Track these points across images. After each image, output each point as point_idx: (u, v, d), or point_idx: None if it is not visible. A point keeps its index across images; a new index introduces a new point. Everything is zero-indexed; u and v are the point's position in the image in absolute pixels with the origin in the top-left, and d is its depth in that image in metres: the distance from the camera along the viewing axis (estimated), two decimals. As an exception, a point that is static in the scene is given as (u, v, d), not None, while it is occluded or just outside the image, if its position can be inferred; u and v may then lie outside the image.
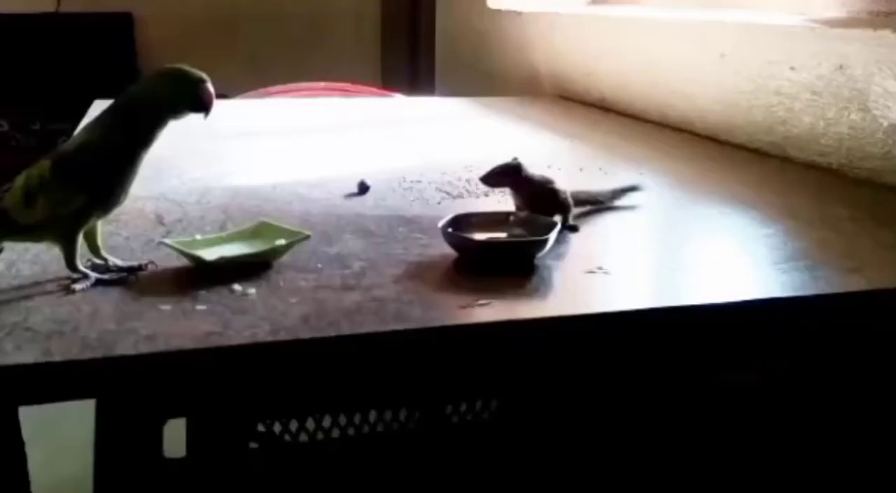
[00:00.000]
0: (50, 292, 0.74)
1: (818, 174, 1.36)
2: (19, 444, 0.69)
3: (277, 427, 1.55)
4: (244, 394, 0.73)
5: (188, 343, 0.65)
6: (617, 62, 2.01)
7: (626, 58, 1.98)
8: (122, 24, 3.53)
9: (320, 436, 1.56)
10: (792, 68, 1.44)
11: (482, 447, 1.42)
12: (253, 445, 1.48)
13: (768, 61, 1.50)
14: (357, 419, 1.61)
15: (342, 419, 1.59)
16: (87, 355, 0.62)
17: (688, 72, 1.74)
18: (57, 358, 0.62)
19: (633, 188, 1.12)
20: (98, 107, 1.75)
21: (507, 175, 0.95)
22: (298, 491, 1.43)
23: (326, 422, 1.56)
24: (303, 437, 1.55)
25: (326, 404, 1.22)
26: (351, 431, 1.59)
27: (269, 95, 2.13)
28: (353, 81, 2.30)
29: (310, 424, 1.56)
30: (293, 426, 1.56)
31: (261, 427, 1.50)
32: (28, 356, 0.61)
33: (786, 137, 1.46)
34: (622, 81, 1.99)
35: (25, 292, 0.74)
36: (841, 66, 1.34)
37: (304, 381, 0.74)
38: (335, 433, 1.56)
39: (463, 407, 1.61)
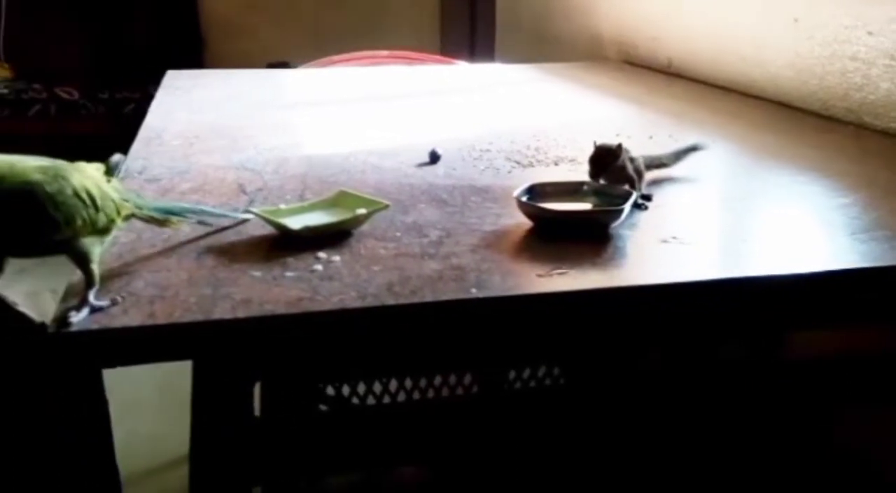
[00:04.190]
0: (147, 259, 0.78)
1: (893, 142, 1.33)
2: (104, 403, 0.73)
3: (346, 391, 1.60)
4: (319, 358, 0.77)
5: (281, 308, 0.68)
6: (684, 26, 1.98)
7: (694, 22, 1.94)
8: (186, -7, 3.59)
9: (387, 399, 1.61)
10: (869, 33, 1.40)
11: (545, 412, 1.44)
12: (322, 407, 1.53)
13: (844, 26, 1.46)
14: (423, 383, 1.65)
15: (408, 383, 1.63)
16: (188, 318, 0.66)
17: (759, 36, 1.70)
18: (161, 321, 0.65)
19: (694, 148, 1.12)
20: (172, 78, 1.80)
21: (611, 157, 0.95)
22: (365, 453, 1.47)
23: (392, 386, 1.61)
24: (370, 400, 1.60)
25: (398, 368, 1.26)
26: (416, 394, 1.63)
27: (333, 63, 2.15)
28: (413, 49, 2.31)
29: (376, 387, 1.61)
30: (360, 389, 1.61)
31: (330, 390, 1.55)
32: (134, 319, 0.65)
33: (862, 103, 1.43)
34: (689, 46, 1.95)
35: (125, 259, 0.78)
36: (922, 30, 1.30)
37: (378, 345, 0.77)
38: (401, 397, 1.60)
39: (526, 373, 1.63)
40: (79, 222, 0.68)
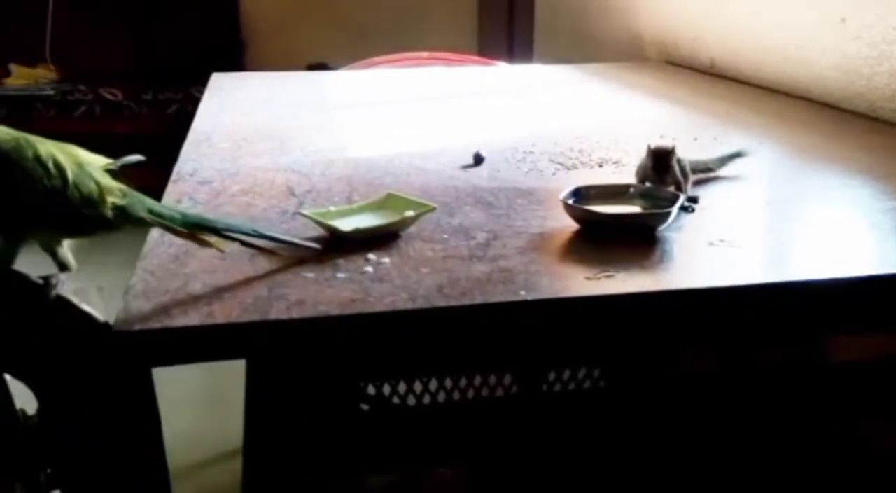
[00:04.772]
0: (203, 260, 0.80)
1: (945, 143, 1.31)
2: (154, 400, 0.74)
3: (386, 390, 1.62)
4: (365, 357, 0.78)
5: (335, 309, 0.70)
6: (726, 26, 1.96)
7: (736, 21, 1.93)
8: (227, -6, 3.65)
9: (427, 399, 1.62)
10: (919, 32, 1.38)
11: (587, 414, 1.44)
12: (364, 407, 1.55)
13: (892, 26, 1.44)
14: (462, 382, 1.66)
15: (447, 383, 1.64)
16: (246, 318, 0.68)
17: (804, 36, 1.68)
18: (220, 320, 0.67)
19: (739, 154, 1.11)
20: (217, 80, 1.83)
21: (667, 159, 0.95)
22: (406, 453, 1.48)
23: (432, 385, 1.62)
24: (410, 400, 1.61)
25: (441, 367, 1.27)
26: (456, 394, 1.64)
27: (374, 65, 2.17)
28: (450, 50, 2.32)
29: (416, 387, 1.62)
30: (401, 388, 1.62)
31: (371, 390, 1.57)
32: (193, 319, 0.67)
33: (910, 104, 1.41)
34: (732, 46, 1.94)
35: (181, 260, 0.80)
36: (975, 30, 1.28)
37: (424, 346, 0.78)
38: (441, 396, 1.61)
39: (566, 375, 1.63)
40: (38, 188, 0.64)
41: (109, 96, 3.46)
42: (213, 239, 0.77)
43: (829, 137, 1.39)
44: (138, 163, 0.79)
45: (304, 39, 3.57)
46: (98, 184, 0.70)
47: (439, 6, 3.81)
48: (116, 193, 0.72)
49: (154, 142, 3.69)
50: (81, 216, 0.69)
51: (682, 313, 0.77)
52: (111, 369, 0.67)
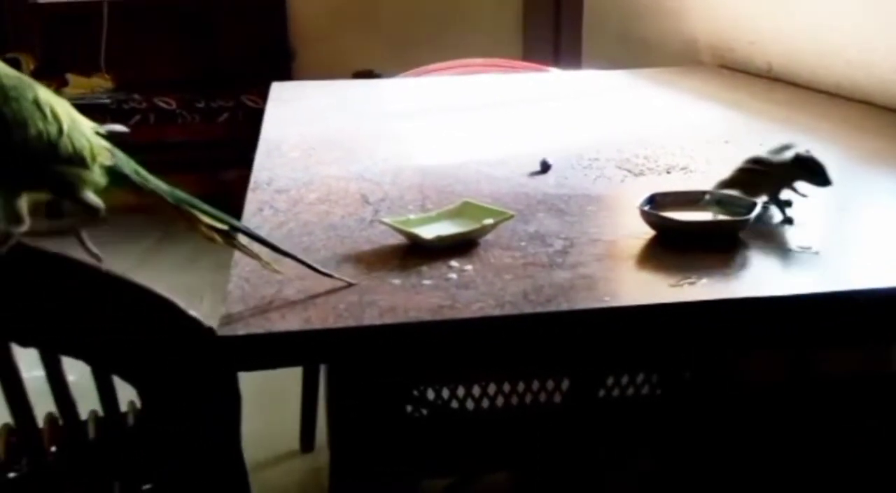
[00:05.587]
0: (292, 265, 0.82)
1: None
2: (240, 402, 0.76)
3: (445, 394, 1.63)
4: (439, 363, 0.79)
5: (425, 315, 0.72)
6: (784, 28, 1.95)
7: (795, 24, 1.91)
8: (275, 3, 3.71)
9: (485, 403, 1.63)
10: None
11: (643, 420, 1.44)
12: (423, 410, 1.56)
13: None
14: (521, 387, 1.67)
15: (506, 387, 1.65)
16: (342, 323, 0.70)
17: (865, 39, 1.67)
18: (317, 326, 0.69)
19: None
20: (277, 90, 1.87)
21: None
22: (463, 457, 1.49)
23: (490, 389, 1.63)
24: (469, 404, 1.62)
25: (509, 373, 1.28)
26: (514, 399, 1.65)
27: (427, 72, 2.20)
28: (495, 55, 2.33)
29: (475, 390, 1.63)
30: (459, 392, 1.63)
31: (430, 394, 1.58)
32: (293, 324, 0.69)
33: (980, 107, 1.39)
34: (790, 49, 1.92)
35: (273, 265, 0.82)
36: None
37: (506, 351, 0.79)
38: (499, 401, 1.62)
39: (624, 380, 1.63)
40: (32, 131, 0.62)
41: (163, 105, 3.54)
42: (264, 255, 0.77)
43: (891, 141, 1.37)
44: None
45: (349, 47, 3.61)
46: (90, 141, 0.69)
47: (483, 12, 3.82)
48: (105, 153, 0.71)
49: (207, 149, 3.75)
50: (67, 171, 0.66)
51: (764, 320, 0.78)
52: (214, 372, 0.70)
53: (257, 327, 0.68)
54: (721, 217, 0.90)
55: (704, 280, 0.78)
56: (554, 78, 2.15)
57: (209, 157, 3.41)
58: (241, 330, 0.67)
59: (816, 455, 1.43)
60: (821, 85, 1.80)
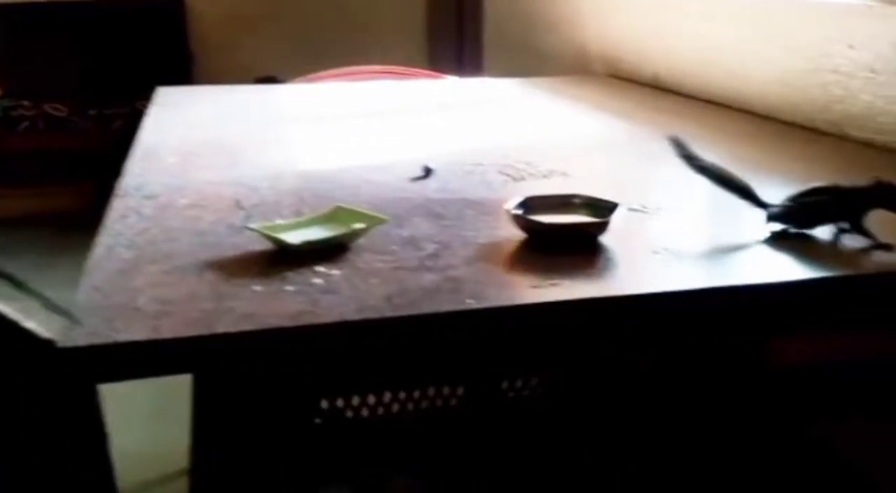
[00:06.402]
0: (149, 274, 0.79)
1: (875, 153, 1.36)
2: (101, 417, 0.73)
3: (340, 403, 1.61)
4: (316, 371, 0.78)
5: (284, 321, 0.70)
6: (670, 40, 2.01)
7: (680, 36, 1.98)
8: (173, 8, 3.61)
9: (381, 411, 1.62)
10: (850, 47, 1.44)
11: (539, 422, 1.45)
12: (317, 420, 1.54)
13: (826, 39, 1.49)
14: (416, 393, 1.66)
15: (401, 394, 1.64)
16: (192, 332, 0.67)
17: (745, 50, 1.74)
18: (165, 335, 0.67)
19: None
20: (163, 94, 1.81)
21: None
22: (362, 466, 1.47)
23: (385, 397, 1.61)
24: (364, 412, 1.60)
25: (393, 380, 1.27)
26: (410, 406, 1.64)
27: (323, 78, 2.17)
28: (400, 63, 2.33)
29: (370, 399, 1.62)
30: (354, 401, 1.61)
31: (324, 403, 1.56)
32: (140, 334, 0.67)
33: (843, 115, 1.46)
34: (676, 60, 1.99)
35: (128, 275, 0.79)
36: (901, 44, 1.33)
37: (375, 358, 0.78)
38: (394, 408, 1.61)
39: (519, 383, 1.65)
40: None
41: (54, 112, 3.40)
42: None
43: (768, 148, 1.43)
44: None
45: (251, 53, 3.54)
46: None
47: (388, 20, 3.82)
48: None
49: (99, 158, 3.61)
50: None
51: (625, 319, 0.79)
52: (57, 386, 0.66)
53: (102, 336, 0.65)
54: (586, 219, 0.91)
55: (567, 281, 0.79)
56: (449, 86, 2.16)
57: (101, 165, 3.28)
58: (82, 341, 0.64)
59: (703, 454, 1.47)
60: (704, 94, 1.86)
